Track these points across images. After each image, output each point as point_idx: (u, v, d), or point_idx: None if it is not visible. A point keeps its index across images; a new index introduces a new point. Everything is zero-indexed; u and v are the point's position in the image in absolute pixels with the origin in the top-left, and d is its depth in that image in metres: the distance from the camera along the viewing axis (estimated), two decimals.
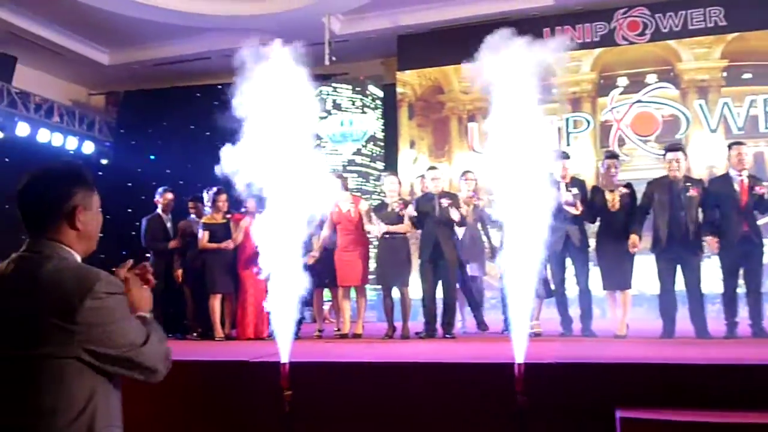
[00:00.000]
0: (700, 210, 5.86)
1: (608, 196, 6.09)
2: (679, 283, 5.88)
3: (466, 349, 5.34)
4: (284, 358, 3.99)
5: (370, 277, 6.80)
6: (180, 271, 7.14)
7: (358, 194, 8.24)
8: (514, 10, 9.47)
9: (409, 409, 3.87)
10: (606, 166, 6.27)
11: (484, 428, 3.79)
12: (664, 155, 6.06)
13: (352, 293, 6.72)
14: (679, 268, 5.84)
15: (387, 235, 6.46)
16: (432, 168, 6.85)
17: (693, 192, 5.79)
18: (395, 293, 6.55)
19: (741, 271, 5.83)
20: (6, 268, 1.79)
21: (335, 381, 4.04)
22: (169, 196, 7.50)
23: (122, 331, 1.74)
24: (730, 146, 6.09)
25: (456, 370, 3.99)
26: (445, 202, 6.34)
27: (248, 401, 4.07)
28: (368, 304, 7.04)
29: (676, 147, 6.18)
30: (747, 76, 9.40)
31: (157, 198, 7.48)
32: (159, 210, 7.44)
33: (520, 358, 3.75)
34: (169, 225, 7.40)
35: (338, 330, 6.96)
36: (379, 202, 7.06)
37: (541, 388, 3.66)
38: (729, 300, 5.81)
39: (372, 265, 6.81)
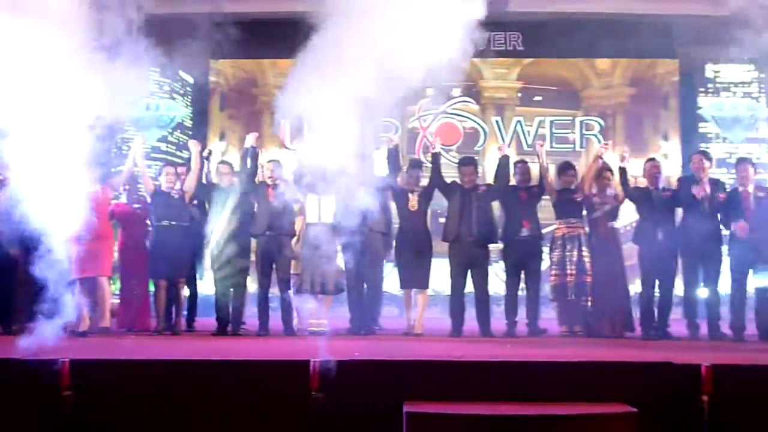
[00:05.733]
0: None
1: (410, 197, 6.43)
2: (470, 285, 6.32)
3: (265, 347, 5.29)
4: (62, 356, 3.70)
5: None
6: None
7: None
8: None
9: (198, 408, 3.75)
10: (410, 174, 6.62)
11: (279, 427, 3.76)
12: (459, 167, 6.48)
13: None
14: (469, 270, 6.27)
15: (166, 223, 6.31)
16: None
17: (482, 189, 6.32)
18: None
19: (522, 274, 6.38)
20: None
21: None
22: None
23: None
24: (516, 164, 6.64)
25: (248, 368, 3.92)
26: None
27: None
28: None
29: (468, 161, 6.62)
30: (538, 98, 10.34)
31: None
32: None
33: (316, 355, 3.79)
34: None
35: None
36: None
37: (336, 385, 3.72)
38: (510, 301, 6.33)
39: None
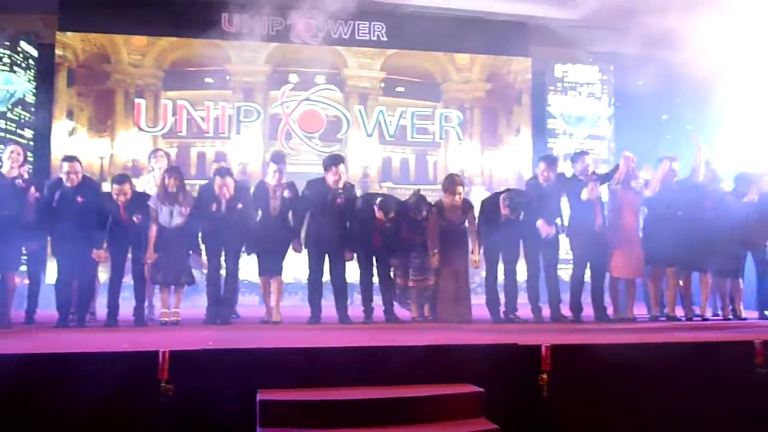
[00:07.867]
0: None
1: (270, 194, 6.31)
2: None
3: (112, 338, 5.02)
4: None
5: None
6: None
7: None
8: None
9: (38, 406, 3.52)
10: (276, 169, 6.39)
11: (126, 422, 3.60)
12: (328, 167, 6.36)
13: None
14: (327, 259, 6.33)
15: None
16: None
17: (340, 201, 6.27)
18: None
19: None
20: None
21: None
22: None
23: None
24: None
25: (92, 360, 3.72)
26: None
27: None
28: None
29: (338, 161, 6.49)
30: (400, 89, 10.52)
31: None
32: None
33: (166, 346, 3.67)
34: None
35: None
36: None
37: (187, 375, 3.62)
38: (366, 288, 6.42)
39: None
